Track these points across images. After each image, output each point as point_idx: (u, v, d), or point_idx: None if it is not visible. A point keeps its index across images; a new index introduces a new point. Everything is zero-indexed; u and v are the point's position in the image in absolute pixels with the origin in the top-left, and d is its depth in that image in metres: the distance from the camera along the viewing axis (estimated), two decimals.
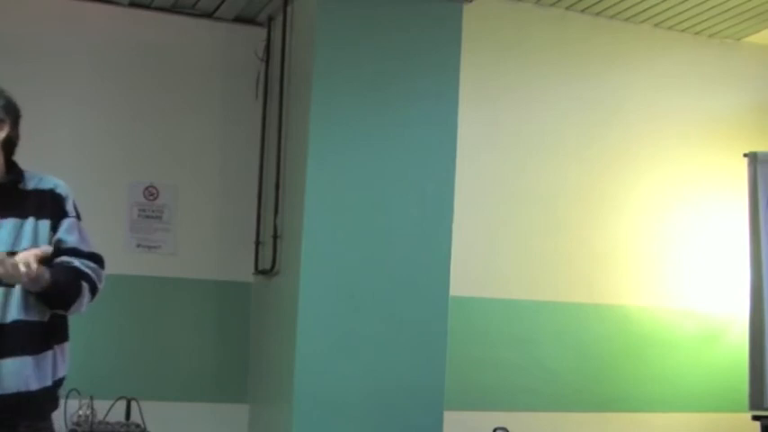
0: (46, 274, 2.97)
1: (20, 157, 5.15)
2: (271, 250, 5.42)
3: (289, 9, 5.50)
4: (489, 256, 5.96)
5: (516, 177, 6.10)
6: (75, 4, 5.62)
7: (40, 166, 5.29)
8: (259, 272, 5.60)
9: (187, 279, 5.70)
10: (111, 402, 5.19)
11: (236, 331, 5.76)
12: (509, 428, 5.44)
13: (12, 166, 3.27)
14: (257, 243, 5.65)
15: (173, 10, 5.77)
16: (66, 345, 3.26)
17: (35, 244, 3.07)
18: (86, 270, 3.18)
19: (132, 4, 5.71)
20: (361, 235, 5.09)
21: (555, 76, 6.26)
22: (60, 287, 3.07)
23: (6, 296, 2.99)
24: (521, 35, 6.19)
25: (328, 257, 5.03)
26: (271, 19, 5.77)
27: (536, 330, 6.02)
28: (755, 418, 5.51)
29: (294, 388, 4.95)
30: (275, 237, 5.38)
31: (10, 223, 3.11)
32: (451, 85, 5.29)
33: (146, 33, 5.76)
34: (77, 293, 3.15)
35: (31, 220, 3.14)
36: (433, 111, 5.25)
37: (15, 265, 2.80)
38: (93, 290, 3.22)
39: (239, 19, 5.89)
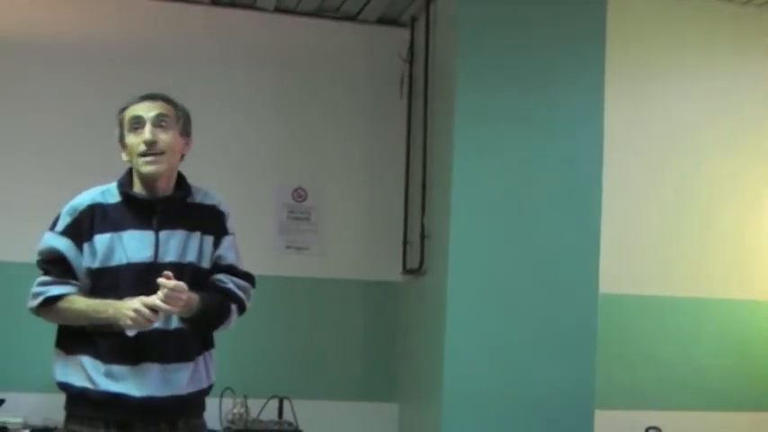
0: (196, 302, 3.17)
1: None
2: (418, 250, 5.43)
3: (431, 9, 5.51)
4: (639, 253, 5.86)
5: (665, 171, 5.99)
6: (221, 11, 5.76)
7: (192, 171, 5.48)
8: (407, 271, 5.63)
9: (335, 279, 5.77)
10: (263, 401, 5.26)
11: (384, 331, 5.81)
12: (662, 428, 5.34)
13: (182, 180, 3.41)
14: (405, 243, 5.68)
15: (317, 14, 5.85)
16: (213, 351, 3.45)
17: (200, 257, 3.30)
18: (238, 292, 3.40)
19: (277, 10, 5.80)
20: (509, 233, 5.06)
21: (704, 68, 6.12)
22: (208, 316, 3.27)
23: None
24: (666, 26, 6.06)
25: (476, 256, 5.02)
26: (414, 19, 5.79)
27: (688, 327, 5.90)
28: None
29: (443, 387, 4.96)
30: (422, 236, 5.39)
31: (179, 235, 3.29)
32: (597, 79, 5.22)
33: (291, 38, 5.85)
34: (224, 318, 3.35)
35: (197, 234, 3.32)
36: (578, 107, 5.19)
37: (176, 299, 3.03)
38: (242, 309, 3.43)
39: (382, 20, 5.93)
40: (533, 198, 5.11)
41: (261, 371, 5.57)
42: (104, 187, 3.32)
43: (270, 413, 5.30)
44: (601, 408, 5.15)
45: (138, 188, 3.28)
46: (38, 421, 5.12)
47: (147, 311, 3.03)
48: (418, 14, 5.71)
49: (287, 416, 5.30)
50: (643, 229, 5.91)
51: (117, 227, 3.22)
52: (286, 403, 5.33)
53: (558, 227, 5.09)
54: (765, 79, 6.18)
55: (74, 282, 3.22)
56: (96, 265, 3.20)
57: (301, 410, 5.29)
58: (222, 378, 5.25)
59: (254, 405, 5.26)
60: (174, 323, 3.21)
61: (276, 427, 5.20)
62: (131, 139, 3.25)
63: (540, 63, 5.19)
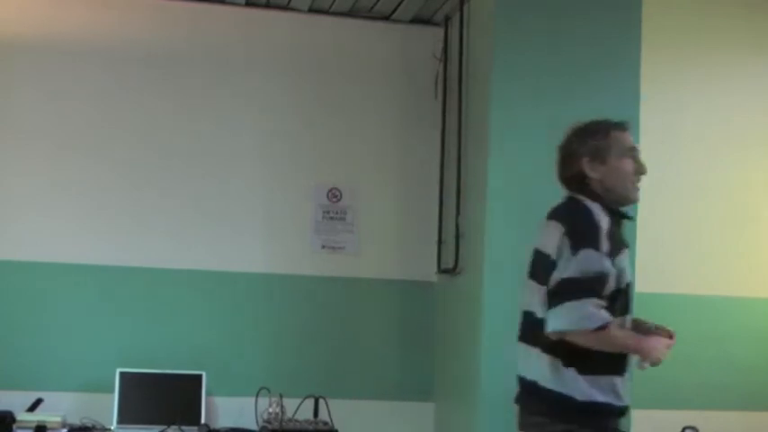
0: None
1: (205, 165, 5.35)
2: (453, 249, 5.42)
3: (465, 8, 5.50)
4: (675, 252, 5.84)
5: (701, 169, 5.96)
6: (256, 12, 5.78)
7: (227, 173, 5.54)
8: (442, 271, 5.62)
9: (371, 279, 5.78)
10: (299, 400, 5.28)
11: (420, 330, 5.81)
12: (699, 427, 5.31)
13: None
14: (440, 242, 5.68)
15: (351, 14, 5.86)
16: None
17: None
18: None
19: (312, 10, 5.81)
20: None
21: (740, 63, 6.09)
22: None
23: None
24: (702, 19, 6.04)
25: (511, 255, 4.95)
26: (447, 18, 5.78)
27: (726, 327, 5.87)
28: None
29: (480, 387, 4.95)
30: (457, 236, 5.38)
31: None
32: (633, 77, 5.19)
33: (325, 38, 5.87)
34: None
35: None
36: (614, 105, 5.12)
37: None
38: None
39: (416, 20, 5.93)
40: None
41: (297, 370, 5.61)
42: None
43: (306, 413, 5.30)
44: (637, 407, 5.12)
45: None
46: (75, 420, 5.17)
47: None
48: (452, 13, 5.70)
49: (323, 415, 5.30)
50: (680, 227, 5.89)
51: (621, 245, 3.32)
52: (322, 403, 5.33)
53: None
54: None
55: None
56: (616, 286, 3.27)
57: (337, 410, 5.30)
58: (258, 377, 5.35)
59: (291, 405, 5.27)
60: None
61: (311, 427, 5.20)
62: (626, 164, 3.37)
63: (575, 59, 5.16)
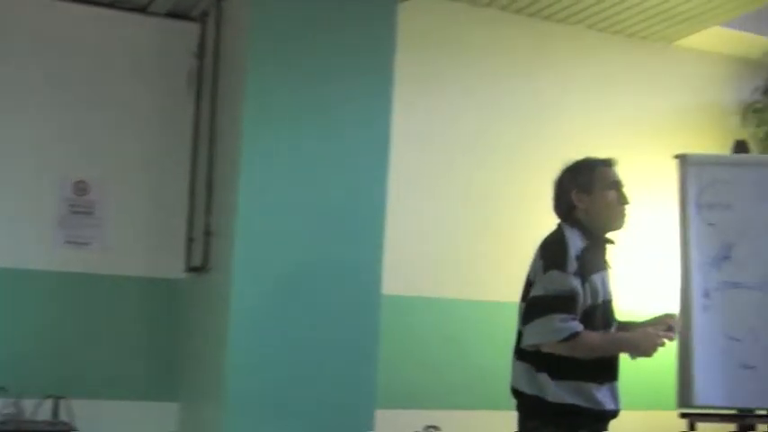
0: None
1: None
2: (202, 247, 5.38)
3: (223, 5, 5.47)
4: (422, 255, 5.97)
5: (450, 176, 6.13)
6: None
7: None
8: (191, 269, 5.56)
9: (117, 276, 5.62)
10: (40, 401, 5.11)
11: (167, 329, 5.70)
12: (441, 427, 5.45)
13: None
14: (189, 240, 5.61)
15: (105, 3, 5.71)
16: None
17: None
18: None
19: None
20: (294, 233, 5.06)
21: (489, 77, 6.32)
22: None
23: None
24: (455, 35, 6.24)
25: (261, 255, 5.00)
26: (204, 14, 5.72)
27: (468, 329, 6.04)
28: (683, 415, 5.57)
29: (225, 386, 4.91)
30: (207, 233, 5.34)
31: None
32: (386, 83, 5.29)
33: (80, 27, 5.68)
34: None
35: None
36: (367, 109, 5.24)
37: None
38: None
39: (172, 14, 5.83)
40: (319, 198, 5.12)
41: (36, 370, 5.38)
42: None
43: (46, 414, 5.15)
44: (382, 407, 5.22)
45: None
46: None
47: None
48: (209, 9, 5.65)
49: (64, 416, 5.15)
50: (427, 231, 6.02)
51: (598, 266, 3.77)
52: (64, 403, 5.18)
53: (342, 227, 5.12)
54: (545, 88, 6.42)
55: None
56: (592, 302, 3.70)
57: (80, 410, 5.18)
58: None
59: (31, 405, 5.12)
60: None
61: (49, 428, 5.05)
62: (609, 195, 3.82)
63: (330, 62, 5.20)
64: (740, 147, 5.83)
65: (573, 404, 3.66)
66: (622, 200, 3.83)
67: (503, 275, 6.12)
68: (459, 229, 6.12)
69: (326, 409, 5.01)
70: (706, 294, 5.58)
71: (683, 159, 5.70)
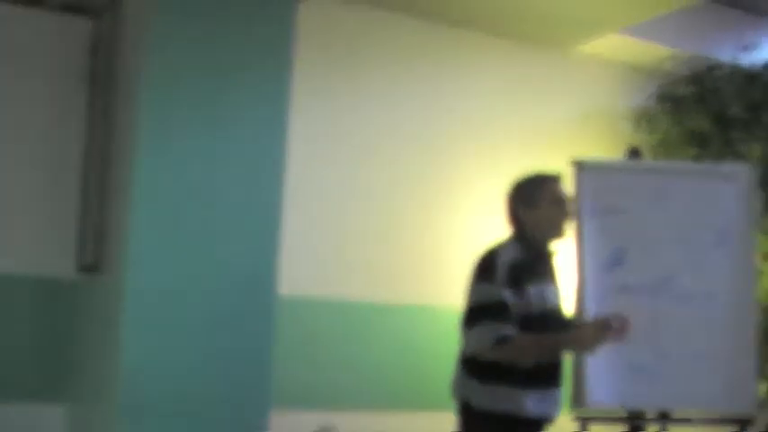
0: None
1: None
2: (93, 246, 5.29)
3: (120, 0, 5.39)
4: (321, 256, 5.97)
5: (350, 179, 6.14)
6: None
7: None
8: (82, 268, 5.45)
9: (3, 275, 5.49)
10: None
11: (56, 330, 5.57)
12: (338, 427, 5.44)
13: None
14: (80, 238, 5.50)
15: None
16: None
17: None
18: None
19: None
20: (189, 234, 5.00)
21: (389, 80, 6.35)
22: None
23: None
24: (356, 38, 6.24)
25: (154, 255, 4.93)
26: (101, 9, 5.62)
27: (367, 330, 6.06)
28: (576, 417, 5.63)
29: (117, 388, 4.83)
30: (99, 233, 5.25)
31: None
32: (283, 84, 5.26)
33: None
34: None
35: None
36: (264, 110, 5.22)
37: None
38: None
39: (68, 8, 5.71)
40: (215, 198, 5.08)
41: None
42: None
43: None
44: (278, 408, 5.19)
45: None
46: None
47: None
48: (106, 4, 5.55)
49: None
50: (328, 233, 6.03)
51: (537, 277, 4.00)
52: None
53: (238, 228, 5.09)
54: (445, 92, 6.45)
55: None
56: (529, 310, 3.93)
57: None
58: None
59: None
60: None
61: None
62: (553, 210, 4.04)
63: (228, 63, 5.16)
64: (634, 153, 5.91)
65: (494, 410, 3.85)
66: (565, 214, 4.08)
67: (401, 278, 6.18)
68: (361, 231, 6.12)
69: (220, 411, 4.97)
70: (600, 298, 5.65)
71: (579, 165, 5.75)
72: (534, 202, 4.03)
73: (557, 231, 4.04)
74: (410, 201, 6.28)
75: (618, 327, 4.02)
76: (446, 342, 6.12)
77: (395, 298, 6.15)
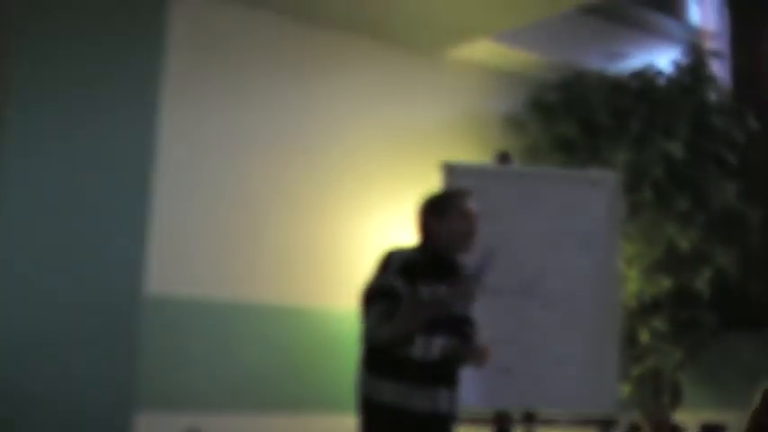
0: None
1: None
2: None
3: None
4: (190, 256, 5.90)
5: (221, 179, 6.08)
6: None
7: None
8: None
9: None
10: None
11: None
12: (203, 429, 5.38)
13: None
14: None
15: None
16: None
17: None
18: None
19: None
20: (52, 231, 4.93)
21: (264, 81, 6.33)
22: None
23: None
24: (228, 37, 6.20)
25: (17, 253, 4.82)
26: None
27: (235, 331, 6.00)
28: None
29: None
30: None
31: None
32: (153, 83, 5.25)
33: None
34: None
35: None
36: (133, 110, 5.20)
37: None
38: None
39: None
40: (80, 196, 5.02)
41: None
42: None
43: None
44: (143, 410, 5.12)
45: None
46: None
47: None
48: None
49: None
50: (197, 233, 5.95)
51: (432, 280, 4.06)
52: None
53: (103, 226, 5.05)
54: (319, 94, 6.46)
55: None
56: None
57: None
58: None
59: None
60: None
61: None
62: (460, 224, 4.17)
63: (96, 60, 5.13)
64: (503, 158, 6.00)
65: (387, 402, 3.99)
66: (472, 228, 4.20)
67: (270, 279, 6.14)
68: (230, 232, 6.07)
69: (83, 411, 4.89)
70: None
71: (448, 168, 5.81)
72: (444, 214, 4.21)
73: (463, 244, 4.21)
74: (280, 202, 6.25)
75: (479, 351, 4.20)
76: (313, 343, 6.17)
77: (263, 299, 6.11)
